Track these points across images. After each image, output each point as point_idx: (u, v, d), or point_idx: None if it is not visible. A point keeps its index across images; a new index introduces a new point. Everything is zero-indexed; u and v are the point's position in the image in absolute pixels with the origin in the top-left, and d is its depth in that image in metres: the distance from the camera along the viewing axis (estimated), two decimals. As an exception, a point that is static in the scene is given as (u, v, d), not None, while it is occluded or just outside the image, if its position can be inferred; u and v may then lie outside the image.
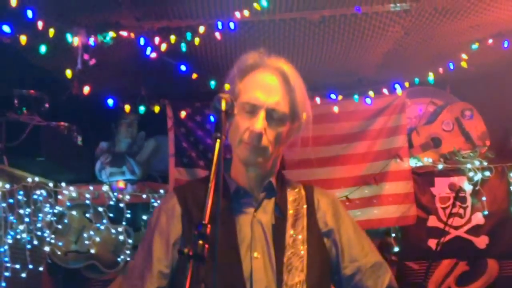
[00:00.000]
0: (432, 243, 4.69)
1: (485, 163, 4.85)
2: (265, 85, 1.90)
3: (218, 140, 1.54)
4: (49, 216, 4.58)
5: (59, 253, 4.67)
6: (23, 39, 3.38)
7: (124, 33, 3.61)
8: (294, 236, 1.89)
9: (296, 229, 1.91)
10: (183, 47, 3.71)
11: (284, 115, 1.90)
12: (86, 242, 4.70)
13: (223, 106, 1.63)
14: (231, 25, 3.54)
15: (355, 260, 1.98)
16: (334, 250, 1.98)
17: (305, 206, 1.99)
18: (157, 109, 4.64)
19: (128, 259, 4.70)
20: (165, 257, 1.88)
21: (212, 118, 4.43)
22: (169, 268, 1.88)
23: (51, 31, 3.39)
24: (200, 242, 1.36)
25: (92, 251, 4.68)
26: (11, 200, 4.15)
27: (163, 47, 3.68)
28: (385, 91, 4.77)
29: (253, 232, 1.88)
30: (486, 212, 4.79)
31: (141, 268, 1.90)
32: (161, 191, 4.77)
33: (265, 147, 1.87)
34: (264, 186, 1.97)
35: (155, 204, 4.74)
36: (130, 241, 4.65)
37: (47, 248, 4.56)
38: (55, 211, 4.66)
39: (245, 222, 1.89)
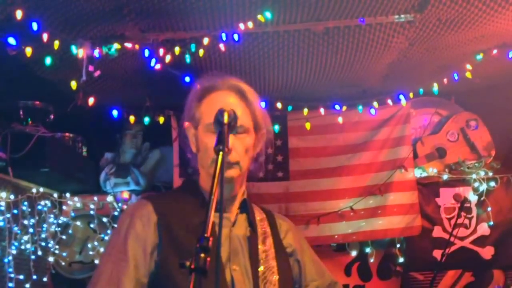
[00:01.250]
0: (437, 253, 4.68)
1: (491, 174, 4.84)
2: (225, 103, 1.92)
3: (221, 153, 1.57)
4: (53, 226, 4.58)
5: (63, 263, 4.67)
6: (28, 51, 3.40)
7: (128, 45, 3.63)
8: (265, 252, 1.98)
9: (266, 246, 2.01)
10: (188, 58, 3.72)
11: (247, 127, 1.96)
12: (91, 252, 4.70)
13: (226, 119, 1.65)
14: (235, 36, 3.55)
15: (314, 279, 2.15)
16: (297, 269, 2.12)
17: (268, 227, 2.08)
18: (161, 120, 4.66)
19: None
20: (143, 266, 1.81)
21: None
22: (147, 278, 1.82)
23: (56, 43, 3.41)
24: (202, 255, 1.35)
25: (97, 261, 4.67)
26: (15, 211, 4.16)
27: (168, 58, 3.69)
28: (389, 101, 4.78)
29: (231, 245, 1.92)
30: (491, 223, 4.77)
31: (115, 274, 1.80)
32: (166, 201, 4.78)
33: (236, 161, 1.91)
34: (241, 203, 2.02)
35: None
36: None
37: (51, 259, 4.57)
38: (60, 221, 4.67)
39: (223, 236, 1.91)
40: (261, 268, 1.93)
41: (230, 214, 1.99)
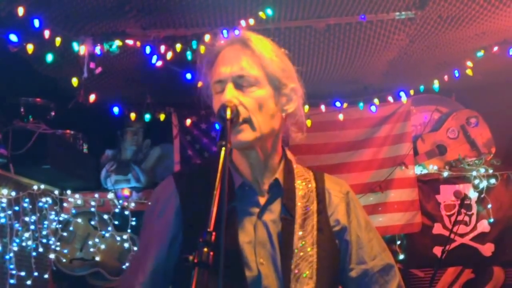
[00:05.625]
0: (437, 250, 4.69)
1: (491, 171, 4.85)
2: (226, 58, 1.76)
3: (223, 148, 1.49)
4: (54, 223, 4.59)
5: (64, 260, 4.67)
6: (30, 48, 3.40)
7: (130, 42, 3.63)
8: (303, 238, 1.74)
9: (306, 230, 1.76)
10: (189, 55, 3.72)
11: (255, 78, 1.73)
12: (91, 249, 4.71)
13: (228, 114, 1.60)
14: (237, 33, 3.55)
15: (362, 262, 1.84)
16: (343, 249, 1.84)
17: (315, 202, 1.82)
18: (162, 117, 4.66)
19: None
20: (163, 253, 1.79)
21: (217, 126, 4.44)
22: (164, 266, 1.79)
23: (58, 40, 3.42)
24: (205, 249, 1.33)
25: (97, 258, 4.69)
26: (16, 208, 4.17)
27: (169, 55, 3.69)
28: (390, 98, 4.78)
29: (257, 235, 1.74)
30: (491, 220, 4.78)
31: (135, 264, 1.85)
32: (167, 198, 4.78)
33: (245, 118, 1.69)
34: (270, 184, 1.80)
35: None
36: (135, 248, 4.65)
37: (52, 256, 4.58)
38: (61, 218, 4.68)
39: (248, 224, 1.75)
40: (295, 259, 1.71)
41: (259, 195, 1.79)
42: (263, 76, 1.75)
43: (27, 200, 4.27)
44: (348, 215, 1.86)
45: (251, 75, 1.73)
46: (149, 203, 1.93)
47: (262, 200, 1.79)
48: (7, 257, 4.08)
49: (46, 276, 4.51)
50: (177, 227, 1.79)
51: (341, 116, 4.79)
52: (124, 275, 1.92)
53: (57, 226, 4.62)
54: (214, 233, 1.37)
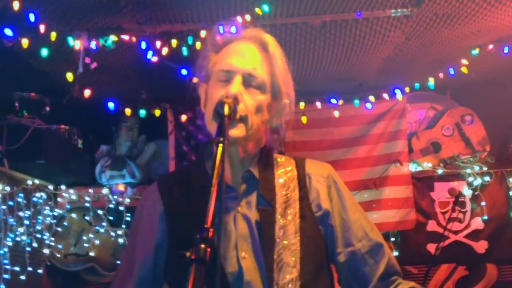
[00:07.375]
0: (431, 247, 4.70)
1: (485, 168, 4.86)
2: (241, 52, 1.76)
3: (221, 145, 1.48)
4: (48, 218, 4.59)
5: (58, 255, 4.67)
6: (25, 42, 3.39)
7: (125, 37, 3.62)
8: (285, 227, 1.72)
9: (287, 218, 1.73)
10: (185, 51, 3.71)
11: (263, 83, 1.74)
12: (86, 244, 4.70)
13: (226, 111, 1.59)
14: (233, 29, 3.54)
15: (349, 244, 1.80)
16: (329, 234, 1.80)
17: (297, 189, 1.80)
18: (157, 112, 4.65)
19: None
20: (148, 261, 1.80)
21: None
22: (152, 272, 1.80)
23: (53, 35, 3.40)
24: (202, 246, 1.32)
25: (92, 253, 4.68)
26: (11, 203, 4.16)
27: (165, 51, 3.68)
28: (385, 96, 4.79)
29: (238, 229, 1.73)
30: (485, 217, 4.80)
31: (124, 272, 1.86)
32: (161, 194, 4.78)
33: (243, 116, 1.68)
34: (244, 177, 1.79)
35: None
36: (129, 244, 4.65)
37: (46, 251, 4.57)
38: (55, 213, 4.67)
39: (228, 219, 1.74)
40: (277, 249, 1.69)
41: (236, 192, 1.78)
42: (269, 83, 1.76)
43: (21, 195, 4.27)
44: (330, 199, 1.83)
45: (261, 77, 1.74)
46: (136, 211, 1.93)
47: (239, 195, 1.79)
48: (1, 252, 4.07)
49: (40, 271, 4.51)
50: (162, 234, 1.80)
51: (336, 113, 4.79)
52: (113, 282, 1.92)
53: (52, 221, 4.61)
54: (211, 230, 1.36)
